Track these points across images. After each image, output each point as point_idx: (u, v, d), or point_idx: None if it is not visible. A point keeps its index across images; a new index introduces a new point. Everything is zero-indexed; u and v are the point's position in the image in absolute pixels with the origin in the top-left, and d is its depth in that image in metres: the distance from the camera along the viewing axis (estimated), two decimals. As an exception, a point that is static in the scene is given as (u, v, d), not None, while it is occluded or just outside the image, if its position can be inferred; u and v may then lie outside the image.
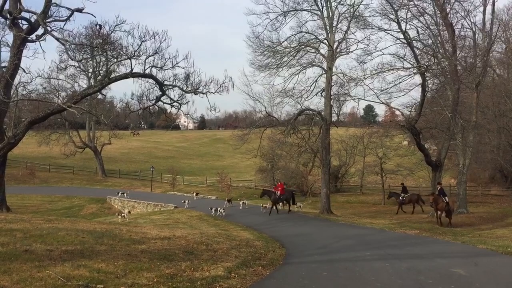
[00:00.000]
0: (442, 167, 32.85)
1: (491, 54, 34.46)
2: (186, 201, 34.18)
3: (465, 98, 34.21)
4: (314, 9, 33.55)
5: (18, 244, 11.36)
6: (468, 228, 25.31)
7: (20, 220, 16.35)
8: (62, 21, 22.33)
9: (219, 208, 28.91)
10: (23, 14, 21.72)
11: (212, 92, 21.98)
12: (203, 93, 21.94)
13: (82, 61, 32.49)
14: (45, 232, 13.56)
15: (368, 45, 32.23)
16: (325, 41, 33.46)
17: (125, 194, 41.78)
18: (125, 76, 21.57)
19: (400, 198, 34.23)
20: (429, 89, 32.57)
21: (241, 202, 33.63)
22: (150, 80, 22.09)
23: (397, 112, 45.38)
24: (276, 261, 13.22)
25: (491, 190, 47.61)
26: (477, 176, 50.32)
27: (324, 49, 34.18)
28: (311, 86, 34.60)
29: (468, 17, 31.85)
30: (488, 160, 44.92)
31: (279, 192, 29.99)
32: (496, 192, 46.40)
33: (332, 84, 33.65)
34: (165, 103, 23.01)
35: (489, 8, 32.60)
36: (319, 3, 33.06)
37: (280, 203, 31.26)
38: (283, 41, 33.75)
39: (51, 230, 14.09)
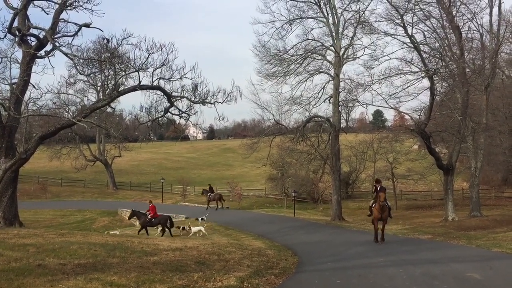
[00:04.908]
0: (453, 170, 32.61)
1: (499, 56, 34.25)
2: None
3: (475, 101, 33.98)
4: (319, 17, 33.71)
5: (31, 259, 11.41)
6: (482, 231, 24.99)
7: (33, 235, 16.44)
8: (70, 36, 22.63)
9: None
10: (32, 30, 22.00)
11: (220, 102, 22.01)
12: (211, 103, 21.97)
13: (91, 75, 32.59)
14: (58, 246, 13.61)
15: (374, 50, 32.34)
16: (332, 47, 33.52)
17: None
18: (133, 89, 21.65)
19: (208, 195, 39.84)
20: (438, 92, 32.45)
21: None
22: (158, 92, 22.16)
23: (406, 117, 45.26)
24: (288, 270, 13.13)
25: (504, 192, 47.18)
26: (489, 179, 49.87)
27: (330, 56, 34.31)
28: (318, 93, 34.70)
29: (474, 19, 31.85)
30: (500, 162, 44.50)
31: (150, 215, 25.63)
32: (509, 194, 45.99)
33: (340, 90, 33.65)
34: (174, 114, 23.06)
35: (495, 9, 32.65)
36: (324, 10, 33.20)
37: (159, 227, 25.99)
38: (290, 49, 33.97)
39: (63, 244, 14.14)
